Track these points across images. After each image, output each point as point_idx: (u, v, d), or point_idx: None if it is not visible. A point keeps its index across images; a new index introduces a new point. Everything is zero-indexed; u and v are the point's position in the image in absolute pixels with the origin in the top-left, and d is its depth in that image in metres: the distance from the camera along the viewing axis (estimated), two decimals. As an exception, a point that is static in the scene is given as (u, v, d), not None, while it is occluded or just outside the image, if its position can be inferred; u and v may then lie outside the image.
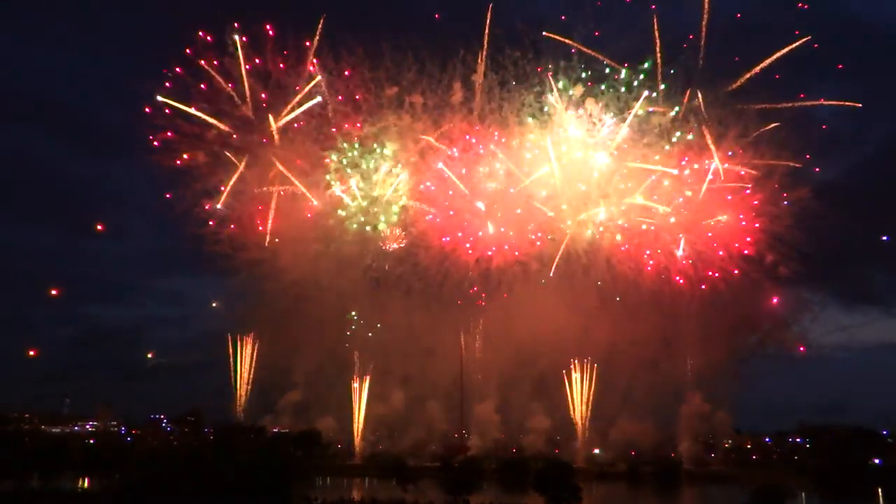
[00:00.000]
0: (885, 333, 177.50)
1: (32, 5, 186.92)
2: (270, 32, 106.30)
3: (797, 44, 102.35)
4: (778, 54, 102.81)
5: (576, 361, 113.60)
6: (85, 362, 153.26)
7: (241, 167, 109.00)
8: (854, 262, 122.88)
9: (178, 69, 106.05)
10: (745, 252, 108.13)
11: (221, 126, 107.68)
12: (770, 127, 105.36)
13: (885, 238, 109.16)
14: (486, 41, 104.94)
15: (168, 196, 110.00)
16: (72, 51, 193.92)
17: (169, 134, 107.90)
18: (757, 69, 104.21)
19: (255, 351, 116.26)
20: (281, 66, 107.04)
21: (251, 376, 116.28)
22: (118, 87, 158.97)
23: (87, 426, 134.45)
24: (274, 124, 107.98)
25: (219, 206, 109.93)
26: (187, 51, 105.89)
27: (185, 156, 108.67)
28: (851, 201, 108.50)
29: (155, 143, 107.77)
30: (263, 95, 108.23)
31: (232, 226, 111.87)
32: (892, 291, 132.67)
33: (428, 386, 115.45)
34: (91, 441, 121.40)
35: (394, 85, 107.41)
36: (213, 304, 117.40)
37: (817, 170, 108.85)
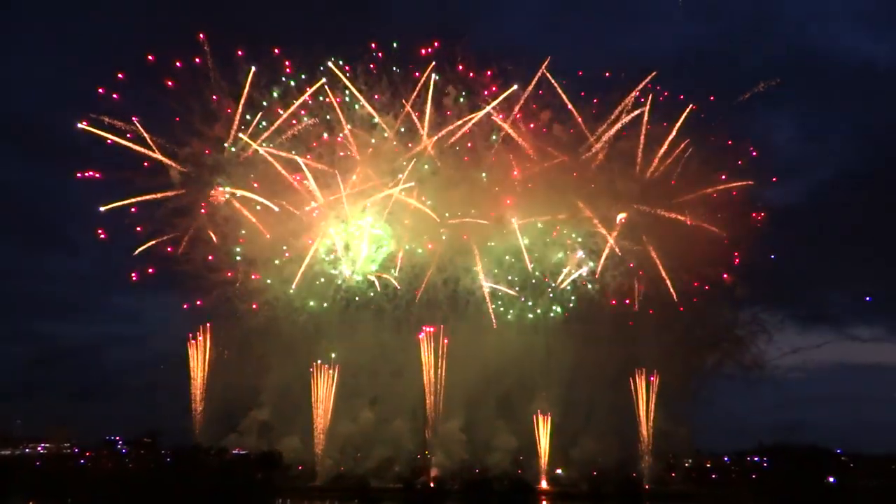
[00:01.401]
0: (840, 354, 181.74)
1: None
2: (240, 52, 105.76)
3: (761, 87, 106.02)
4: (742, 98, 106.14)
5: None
6: (37, 382, 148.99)
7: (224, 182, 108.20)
8: (811, 285, 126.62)
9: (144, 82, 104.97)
10: (704, 274, 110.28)
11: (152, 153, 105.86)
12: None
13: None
14: (429, 79, 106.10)
15: (133, 211, 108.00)
16: (27, 58, 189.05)
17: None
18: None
19: (214, 370, 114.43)
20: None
21: (208, 397, 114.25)
22: (76, 96, 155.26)
23: (39, 448, 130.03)
24: (253, 144, 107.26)
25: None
26: (149, 57, 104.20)
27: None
28: (808, 225, 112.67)
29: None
30: (229, 110, 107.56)
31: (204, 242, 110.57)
32: (847, 313, 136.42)
33: (395, 406, 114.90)
34: (42, 464, 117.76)
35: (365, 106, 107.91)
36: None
37: (770, 194, 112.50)
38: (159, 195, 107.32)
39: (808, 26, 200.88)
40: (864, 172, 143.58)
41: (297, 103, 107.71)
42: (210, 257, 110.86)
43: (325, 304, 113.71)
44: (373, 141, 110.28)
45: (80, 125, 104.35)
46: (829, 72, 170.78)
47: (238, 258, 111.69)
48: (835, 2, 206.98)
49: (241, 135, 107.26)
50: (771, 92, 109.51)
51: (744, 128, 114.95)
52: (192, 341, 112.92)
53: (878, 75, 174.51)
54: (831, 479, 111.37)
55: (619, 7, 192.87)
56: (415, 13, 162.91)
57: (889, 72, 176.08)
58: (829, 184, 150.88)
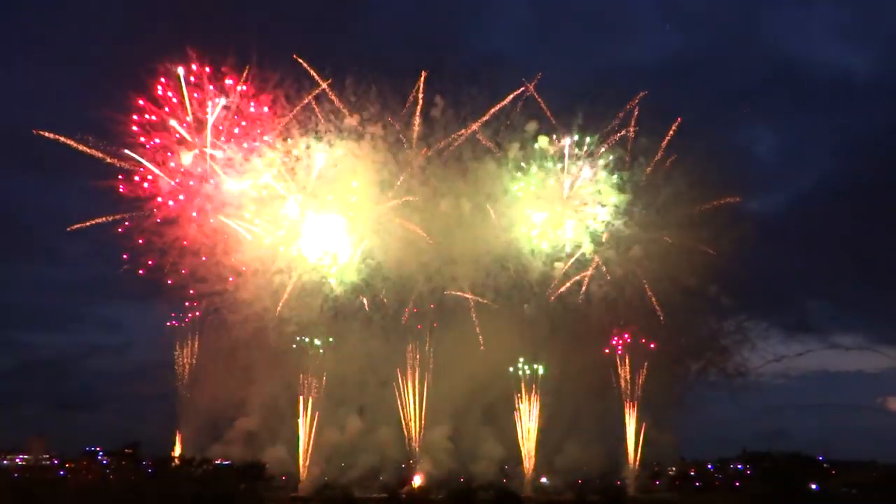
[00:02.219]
0: (822, 362, 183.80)
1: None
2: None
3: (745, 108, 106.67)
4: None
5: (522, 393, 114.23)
6: (17, 392, 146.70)
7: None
8: (794, 294, 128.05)
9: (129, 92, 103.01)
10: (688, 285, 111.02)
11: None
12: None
13: None
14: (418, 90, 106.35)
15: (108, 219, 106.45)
16: (6, 66, 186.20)
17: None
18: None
19: (199, 381, 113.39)
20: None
21: (193, 407, 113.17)
22: (57, 104, 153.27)
23: (18, 460, 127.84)
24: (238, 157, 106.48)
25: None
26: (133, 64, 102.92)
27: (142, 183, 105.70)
28: (791, 235, 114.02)
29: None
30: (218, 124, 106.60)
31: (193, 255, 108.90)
32: (829, 321, 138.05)
33: (382, 415, 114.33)
34: (21, 475, 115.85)
35: (355, 114, 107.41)
36: None
37: (753, 205, 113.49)
38: (118, 215, 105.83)
39: (788, 38, 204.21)
40: (844, 183, 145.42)
41: (288, 117, 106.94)
42: (198, 268, 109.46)
43: (319, 338, 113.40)
44: (377, 139, 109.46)
45: (41, 132, 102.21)
46: (809, 83, 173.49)
47: (226, 268, 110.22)
48: (814, 14, 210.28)
49: (227, 146, 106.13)
50: (752, 103, 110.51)
51: (726, 140, 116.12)
52: (178, 352, 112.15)
53: (857, 86, 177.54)
54: (814, 486, 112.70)
55: (600, 19, 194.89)
56: (402, 26, 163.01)
57: (868, 82, 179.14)
58: (810, 194, 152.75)
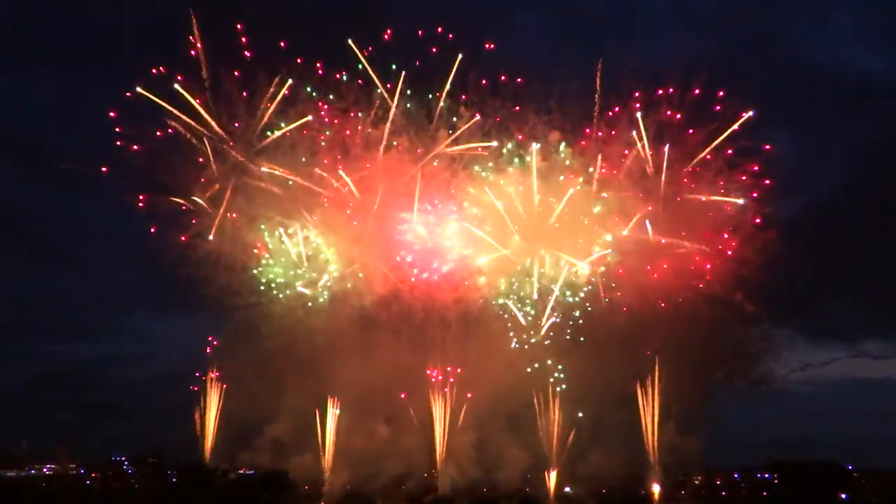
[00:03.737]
0: (850, 369, 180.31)
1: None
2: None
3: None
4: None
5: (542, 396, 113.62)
6: (45, 402, 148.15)
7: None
8: (820, 301, 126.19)
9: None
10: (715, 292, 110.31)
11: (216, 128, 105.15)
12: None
13: None
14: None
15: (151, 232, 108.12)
16: (33, 78, 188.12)
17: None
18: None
19: (229, 391, 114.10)
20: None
21: (223, 418, 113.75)
22: (85, 116, 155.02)
23: (45, 469, 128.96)
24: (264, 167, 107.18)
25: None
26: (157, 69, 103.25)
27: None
28: (815, 240, 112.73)
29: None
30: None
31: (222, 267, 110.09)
32: (857, 328, 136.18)
33: (409, 424, 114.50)
34: (48, 485, 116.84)
35: (381, 125, 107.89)
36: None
37: (776, 209, 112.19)
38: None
39: (808, 39, 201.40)
40: (868, 186, 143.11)
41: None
42: (232, 281, 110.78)
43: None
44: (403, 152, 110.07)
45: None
46: (831, 85, 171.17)
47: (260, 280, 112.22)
48: (834, 15, 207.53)
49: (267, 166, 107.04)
50: (771, 107, 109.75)
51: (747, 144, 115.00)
52: (208, 362, 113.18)
53: (879, 88, 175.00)
54: (843, 496, 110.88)
55: (617, 23, 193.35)
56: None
57: (890, 85, 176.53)
58: (834, 197, 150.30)
